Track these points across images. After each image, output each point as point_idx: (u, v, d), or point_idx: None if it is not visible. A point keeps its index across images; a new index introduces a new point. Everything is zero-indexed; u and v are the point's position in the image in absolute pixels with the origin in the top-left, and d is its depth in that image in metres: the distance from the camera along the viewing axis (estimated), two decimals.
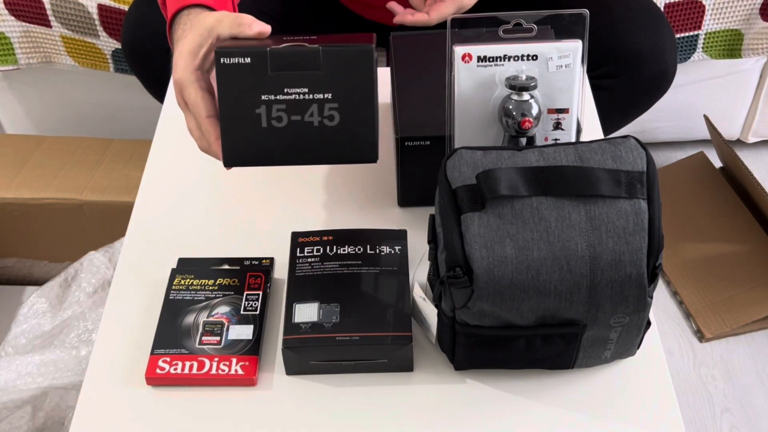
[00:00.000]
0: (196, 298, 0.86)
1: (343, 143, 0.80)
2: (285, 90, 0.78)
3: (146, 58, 1.26)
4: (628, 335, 0.76)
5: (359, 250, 0.87)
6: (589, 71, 1.23)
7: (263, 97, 0.79)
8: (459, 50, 0.84)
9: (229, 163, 0.81)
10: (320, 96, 0.79)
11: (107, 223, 1.34)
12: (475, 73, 0.85)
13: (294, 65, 0.78)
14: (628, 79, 1.25)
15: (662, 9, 1.49)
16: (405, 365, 0.82)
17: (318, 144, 0.80)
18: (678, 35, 1.53)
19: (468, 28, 0.86)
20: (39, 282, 1.43)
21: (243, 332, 0.83)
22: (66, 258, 1.37)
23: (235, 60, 0.77)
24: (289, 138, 0.80)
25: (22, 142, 1.53)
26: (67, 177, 1.43)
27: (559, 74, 0.85)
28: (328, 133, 0.80)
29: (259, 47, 0.78)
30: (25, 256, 1.48)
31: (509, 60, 0.84)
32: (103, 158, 1.44)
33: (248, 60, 0.77)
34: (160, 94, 1.30)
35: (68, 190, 1.40)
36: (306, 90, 0.78)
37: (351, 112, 0.79)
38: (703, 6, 1.50)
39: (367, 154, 0.81)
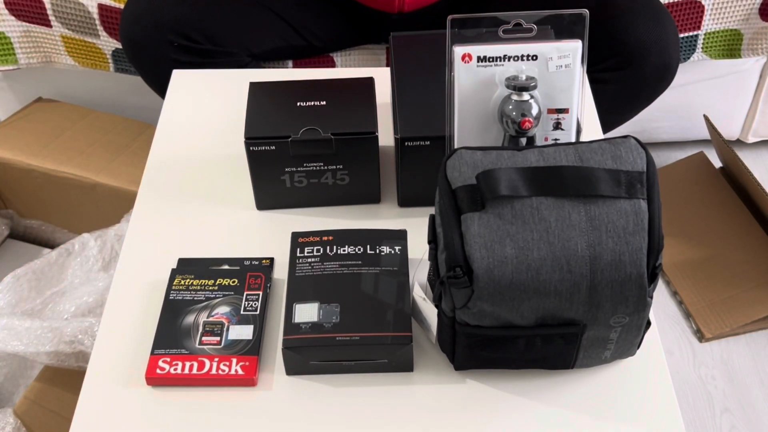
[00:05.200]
0: (196, 298, 0.86)
1: (352, 194, 0.97)
2: (304, 164, 0.93)
3: (145, 50, 1.27)
4: (628, 335, 0.76)
5: (359, 250, 0.87)
6: (593, 65, 1.23)
7: (286, 169, 0.94)
8: (459, 50, 0.84)
9: (259, 208, 0.98)
10: (333, 167, 0.94)
11: (117, 206, 1.37)
12: (475, 73, 0.85)
13: (311, 148, 0.91)
14: (632, 72, 1.25)
15: None
16: (405, 365, 0.82)
17: (332, 195, 0.97)
18: None
19: (468, 28, 0.86)
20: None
21: (243, 332, 0.83)
22: (83, 230, 1.39)
23: (262, 148, 0.91)
24: (308, 193, 0.97)
25: (68, 112, 1.57)
26: (92, 155, 1.47)
27: (559, 74, 0.85)
28: (340, 189, 0.96)
29: (281, 133, 0.91)
30: (48, 222, 1.53)
31: (509, 60, 0.84)
32: (133, 143, 1.47)
33: (273, 147, 0.91)
34: (159, 87, 1.31)
35: (88, 169, 1.43)
36: (321, 164, 0.93)
37: (359, 175, 0.95)
38: (703, 6, 1.50)
39: (373, 199, 0.99)
